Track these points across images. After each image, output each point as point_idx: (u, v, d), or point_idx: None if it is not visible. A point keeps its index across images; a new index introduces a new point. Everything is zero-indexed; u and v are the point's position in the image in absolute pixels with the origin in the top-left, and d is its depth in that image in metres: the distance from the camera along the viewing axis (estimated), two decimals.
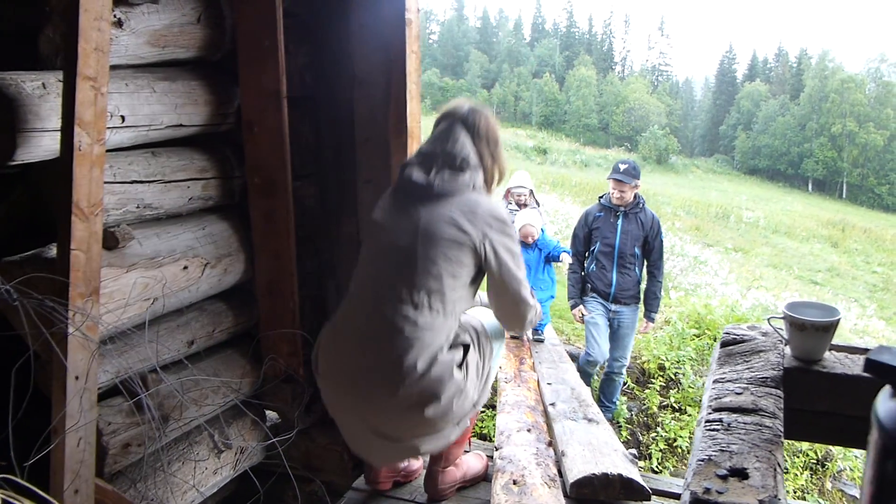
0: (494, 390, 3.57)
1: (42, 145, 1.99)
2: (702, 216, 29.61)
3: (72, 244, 1.94)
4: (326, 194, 2.86)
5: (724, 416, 1.17)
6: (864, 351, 1.46)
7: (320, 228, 2.90)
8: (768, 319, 1.54)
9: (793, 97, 70.35)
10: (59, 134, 1.92)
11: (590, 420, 2.93)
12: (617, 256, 4.86)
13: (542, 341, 5.01)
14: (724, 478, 1.09)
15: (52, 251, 2.02)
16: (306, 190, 2.84)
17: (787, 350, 1.45)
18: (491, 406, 4.72)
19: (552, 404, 3.22)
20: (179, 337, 2.51)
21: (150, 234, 2.35)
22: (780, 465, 1.12)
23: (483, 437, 4.72)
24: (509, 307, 2.24)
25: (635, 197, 4.86)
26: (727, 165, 68.77)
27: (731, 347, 1.48)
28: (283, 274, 2.71)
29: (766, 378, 1.29)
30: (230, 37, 2.54)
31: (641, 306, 5.05)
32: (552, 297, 5.28)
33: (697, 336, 6.81)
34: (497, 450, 2.67)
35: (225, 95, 2.59)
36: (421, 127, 2.66)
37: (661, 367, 6.22)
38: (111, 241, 2.17)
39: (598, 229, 4.96)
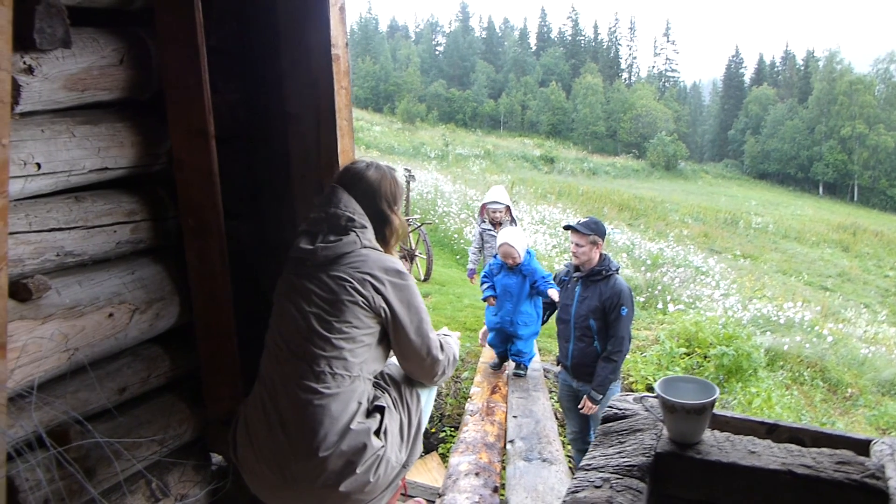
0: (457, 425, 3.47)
1: None
2: (710, 223, 29.43)
3: None
4: (265, 232, 2.80)
5: None
6: (761, 427, 1.36)
7: (261, 267, 2.83)
8: (641, 398, 1.43)
9: (801, 100, 70.01)
10: None
11: (544, 460, 2.84)
12: (573, 327, 4.21)
13: (521, 376, 4.75)
14: None
15: None
16: (243, 228, 2.77)
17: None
18: (454, 426, 4.62)
19: (511, 441, 3.13)
20: (109, 385, 2.43)
21: (72, 282, 2.28)
22: None
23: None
24: (414, 363, 2.18)
25: (602, 261, 4.19)
26: (737, 170, 68.46)
27: (610, 424, 1.37)
28: (220, 316, 2.64)
29: (633, 467, 1.18)
30: (157, 76, 2.48)
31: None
32: (536, 332, 4.85)
33: (687, 355, 6.70)
34: (440, 496, 2.58)
35: (155, 135, 2.52)
36: None
37: (650, 389, 6.10)
38: (24, 293, 2.10)
39: (561, 294, 4.44)
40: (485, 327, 4.99)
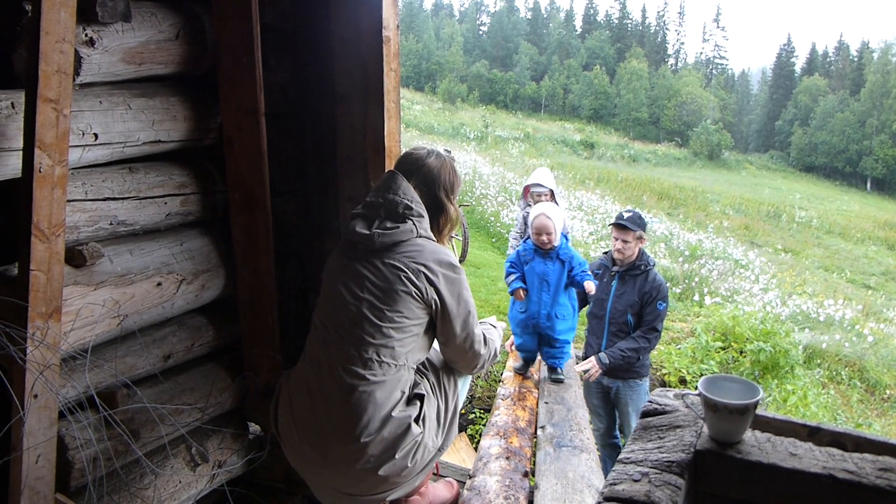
0: (489, 407, 3.49)
1: (10, 164, 2.02)
2: (752, 215, 28.84)
3: (31, 265, 1.96)
4: (309, 211, 2.83)
5: None
6: (803, 429, 1.35)
7: (304, 245, 2.88)
8: (682, 395, 1.42)
9: (853, 92, 67.78)
10: None
11: (575, 447, 2.85)
12: (608, 323, 4.14)
13: (560, 381, 4.04)
14: None
15: (16, 270, 2.03)
16: (288, 206, 2.82)
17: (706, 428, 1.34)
18: (484, 408, 4.61)
19: (542, 427, 3.15)
20: (155, 352, 2.51)
21: (123, 250, 2.35)
22: None
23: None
24: (456, 353, 2.20)
25: (641, 256, 4.11)
26: (782, 162, 66.79)
27: (650, 419, 1.36)
28: (262, 290, 2.69)
29: (672, 462, 1.18)
30: (212, 52, 2.52)
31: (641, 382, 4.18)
32: (573, 328, 4.21)
33: (723, 349, 6.62)
34: (471, 477, 2.61)
35: (206, 110, 2.57)
36: (401, 146, 2.60)
37: (683, 381, 6.07)
38: (79, 259, 2.17)
39: (596, 288, 4.14)
40: (511, 337, 4.38)
